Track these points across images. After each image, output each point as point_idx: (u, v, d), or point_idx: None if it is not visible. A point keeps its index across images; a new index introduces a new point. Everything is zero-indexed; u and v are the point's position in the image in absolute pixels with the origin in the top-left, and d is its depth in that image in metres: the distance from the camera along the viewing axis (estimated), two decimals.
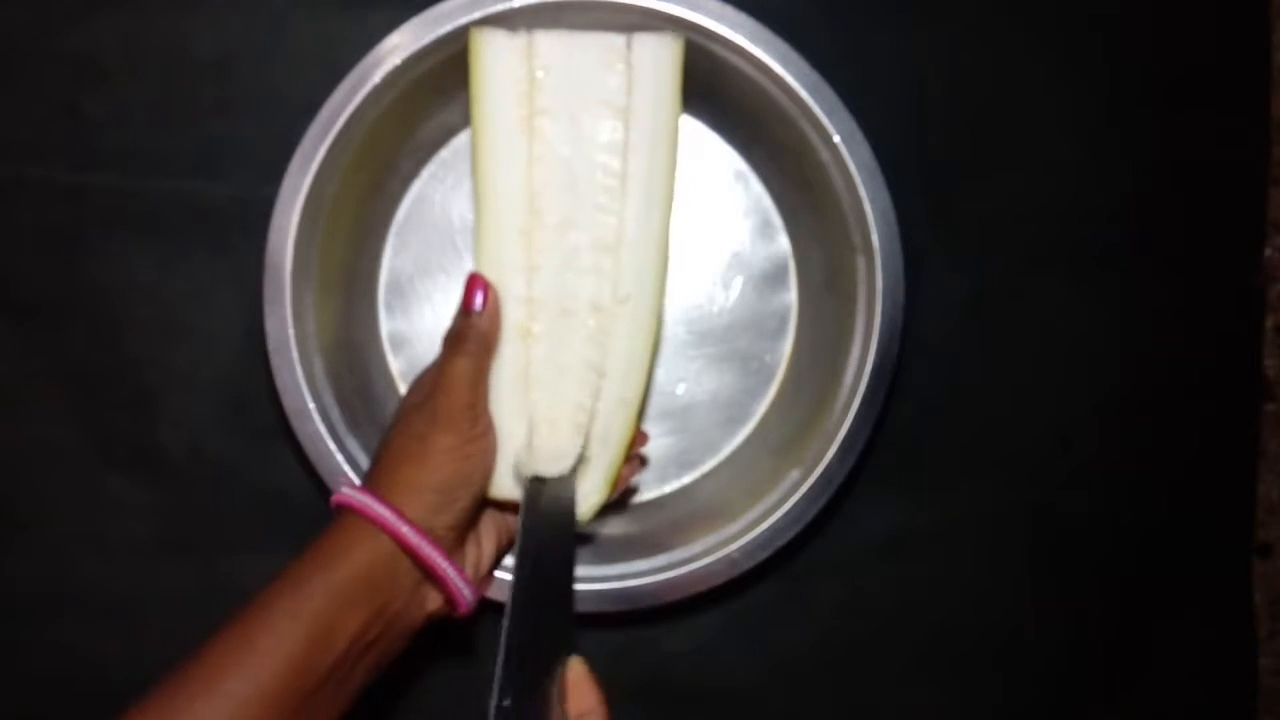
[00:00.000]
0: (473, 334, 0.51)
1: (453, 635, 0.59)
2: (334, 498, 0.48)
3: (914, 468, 0.60)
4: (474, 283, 0.51)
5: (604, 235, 0.53)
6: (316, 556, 0.46)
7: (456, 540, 0.49)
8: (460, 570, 0.48)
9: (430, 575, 0.48)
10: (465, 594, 0.48)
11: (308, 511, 0.57)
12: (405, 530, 0.46)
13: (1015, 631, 0.60)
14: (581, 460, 0.52)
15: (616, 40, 0.53)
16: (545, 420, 0.52)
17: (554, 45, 0.53)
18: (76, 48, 0.59)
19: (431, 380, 0.51)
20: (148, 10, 0.59)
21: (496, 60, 0.52)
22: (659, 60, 0.53)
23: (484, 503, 0.52)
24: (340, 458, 0.54)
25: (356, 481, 0.53)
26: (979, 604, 0.60)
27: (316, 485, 0.55)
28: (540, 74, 0.53)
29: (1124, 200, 0.61)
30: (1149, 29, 0.61)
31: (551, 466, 0.51)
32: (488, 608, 0.53)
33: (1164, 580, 0.61)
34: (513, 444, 0.52)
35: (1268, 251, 0.61)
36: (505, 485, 0.52)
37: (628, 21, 0.54)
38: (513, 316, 0.52)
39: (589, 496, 0.53)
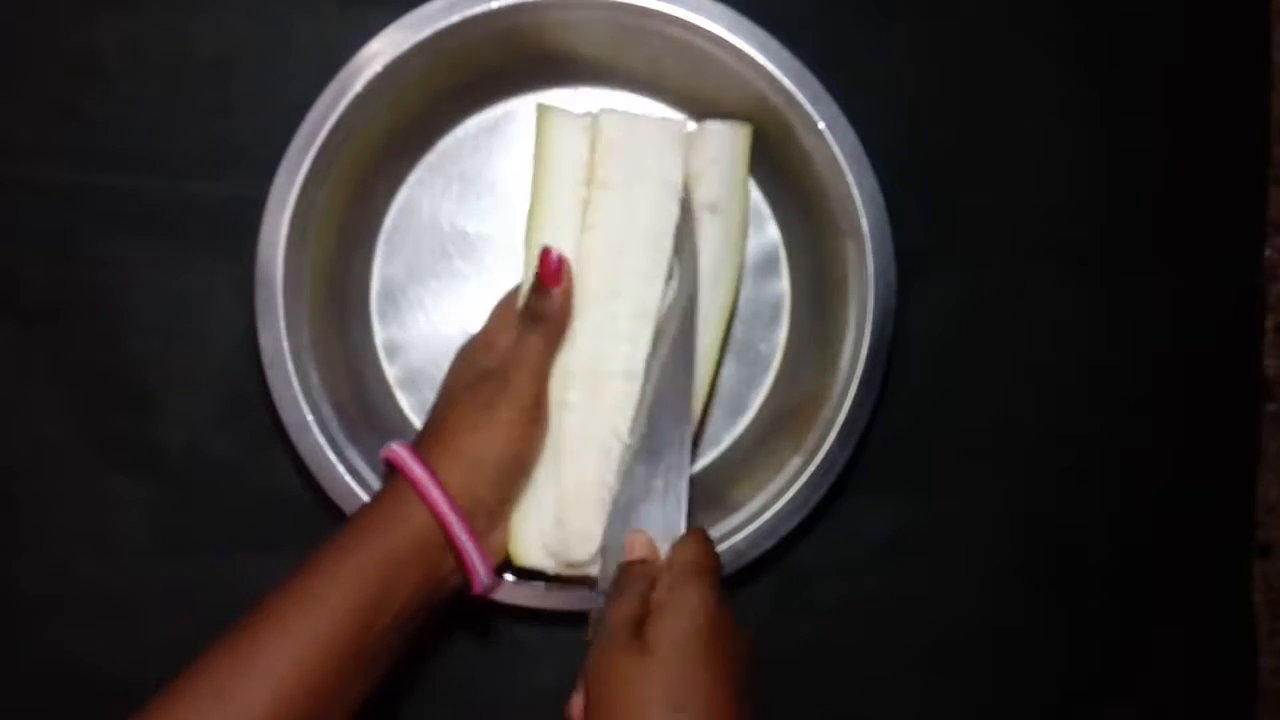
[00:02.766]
0: (549, 311, 0.52)
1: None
2: (384, 453, 0.50)
3: (912, 468, 0.60)
4: (548, 257, 0.52)
5: (645, 305, 0.54)
6: (376, 518, 0.48)
7: (503, 516, 0.51)
8: (479, 546, 0.49)
9: (450, 546, 0.49)
10: (480, 573, 0.49)
11: (307, 512, 0.57)
12: (436, 496, 0.48)
13: (1014, 631, 0.60)
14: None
15: (677, 122, 0.57)
16: (573, 500, 0.53)
17: (617, 124, 0.54)
18: (76, 48, 0.59)
19: (499, 352, 0.52)
20: (148, 10, 0.59)
21: (561, 139, 0.54)
22: (734, 146, 0.56)
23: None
24: (342, 469, 0.54)
25: (357, 489, 0.54)
26: (977, 604, 0.60)
27: (316, 486, 0.55)
28: (603, 150, 0.54)
29: (1123, 200, 0.61)
30: (1149, 28, 0.61)
31: (582, 550, 0.52)
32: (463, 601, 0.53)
33: (1163, 580, 0.61)
34: (542, 514, 0.53)
35: (1268, 251, 0.61)
36: (534, 554, 0.53)
37: (607, 16, 0.55)
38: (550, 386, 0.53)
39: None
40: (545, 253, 0.52)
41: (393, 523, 0.48)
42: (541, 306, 0.52)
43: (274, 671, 0.44)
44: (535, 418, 0.51)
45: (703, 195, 0.55)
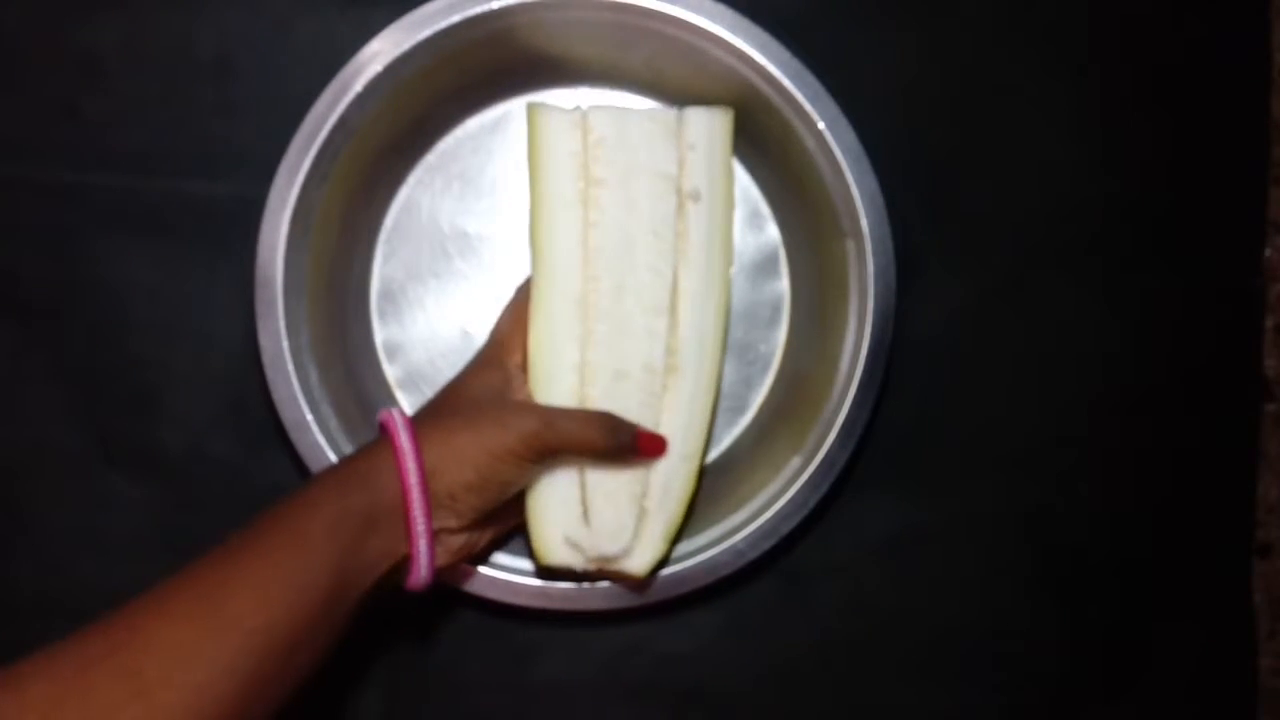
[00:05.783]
0: (622, 449, 0.52)
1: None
2: (381, 415, 0.49)
3: (913, 468, 0.60)
4: (656, 442, 0.54)
5: (656, 298, 0.54)
6: (361, 469, 0.48)
7: (469, 528, 0.50)
8: (431, 544, 0.48)
9: (403, 520, 0.47)
10: (422, 559, 0.48)
11: None
12: (411, 467, 0.47)
13: (1014, 631, 0.60)
14: (641, 514, 0.53)
15: (667, 113, 0.56)
16: (601, 493, 0.53)
17: (607, 119, 0.55)
18: (76, 48, 0.59)
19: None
20: (148, 10, 0.59)
21: (553, 135, 0.55)
22: (711, 131, 0.56)
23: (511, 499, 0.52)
24: None
25: None
26: (978, 604, 0.60)
27: None
28: (595, 147, 0.54)
29: (1123, 200, 0.61)
30: (1149, 28, 0.61)
31: (613, 544, 0.53)
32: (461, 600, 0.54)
33: (1163, 580, 0.61)
34: (565, 511, 0.53)
35: (1268, 251, 0.61)
36: (559, 552, 0.53)
37: (606, 16, 0.55)
38: (568, 382, 0.53)
39: (646, 551, 0.54)
40: (656, 440, 0.54)
41: (375, 480, 0.47)
42: (618, 447, 0.52)
43: (263, 585, 0.43)
44: (540, 458, 0.51)
45: (684, 183, 0.55)
